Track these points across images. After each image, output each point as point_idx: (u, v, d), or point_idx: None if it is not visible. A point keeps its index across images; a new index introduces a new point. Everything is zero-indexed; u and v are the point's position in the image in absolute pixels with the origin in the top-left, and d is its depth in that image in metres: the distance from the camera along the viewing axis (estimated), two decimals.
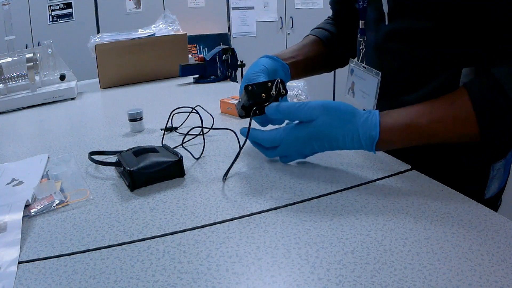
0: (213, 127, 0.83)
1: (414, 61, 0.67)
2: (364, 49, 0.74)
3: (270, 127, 0.65)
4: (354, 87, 0.78)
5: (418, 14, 0.63)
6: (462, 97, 0.54)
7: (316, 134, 0.58)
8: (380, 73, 0.69)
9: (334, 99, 3.83)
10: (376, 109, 0.71)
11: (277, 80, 0.62)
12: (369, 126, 0.57)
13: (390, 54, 0.70)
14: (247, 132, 0.62)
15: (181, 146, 0.77)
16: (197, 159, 0.71)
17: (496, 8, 0.55)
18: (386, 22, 0.66)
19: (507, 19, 0.54)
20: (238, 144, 0.64)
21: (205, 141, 0.75)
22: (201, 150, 0.73)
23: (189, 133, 0.81)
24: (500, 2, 0.54)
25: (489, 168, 0.71)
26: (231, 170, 0.63)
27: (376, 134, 0.56)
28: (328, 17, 0.95)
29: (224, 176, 0.62)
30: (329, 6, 0.94)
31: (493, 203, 0.76)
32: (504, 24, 0.55)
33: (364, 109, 0.76)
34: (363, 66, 0.74)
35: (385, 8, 0.65)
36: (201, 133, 0.79)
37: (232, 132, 0.66)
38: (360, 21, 0.74)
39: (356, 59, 0.78)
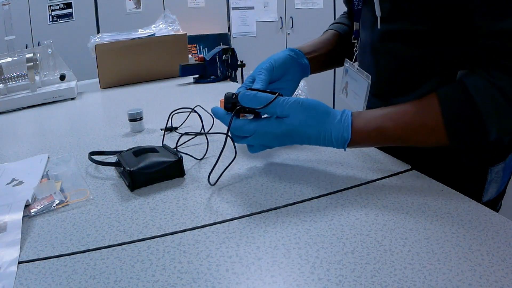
0: (212, 128, 0.83)
1: (409, 63, 0.67)
2: (357, 51, 0.74)
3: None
4: (347, 87, 0.78)
5: (414, 16, 0.63)
6: (432, 105, 0.55)
7: (290, 132, 0.59)
8: (370, 76, 0.69)
9: (334, 99, 3.83)
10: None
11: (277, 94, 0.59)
12: (342, 127, 0.58)
13: (385, 55, 0.70)
14: (227, 132, 0.61)
15: (176, 149, 0.77)
16: (200, 160, 0.71)
17: (476, 15, 0.55)
18: (379, 26, 0.67)
19: (484, 27, 0.54)
20: (233, 146, 0.64)
21: (205, 141, 0.75)
22: (204, 151, 0.73)
23: (188, 133, 0.81)
24: (479, 10, 0.54)
25: (487, 170, 0.71)
26: (231, 170, 0.63)
27: (348, 136, 0.58)
28: (344, 12, 0.95)
29: (209, 176, 0.62)
30: (344, 5, 0.94)
31: (492, 207, 0.75)
32: (481, 32, 0.55)
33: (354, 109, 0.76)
34: (356, 68, 0.74)
35: (378, 13, 0.65)
36: (201, 133, 0.78)
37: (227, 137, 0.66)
38: (355, 22, 0.74)
39: (350, 60, 0.78)
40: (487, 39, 0.55)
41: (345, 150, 0.60)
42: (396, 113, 0.58)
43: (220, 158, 0.61)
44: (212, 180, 0.62)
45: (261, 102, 0.58)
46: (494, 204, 0.76)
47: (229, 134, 0.62)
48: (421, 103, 0.57)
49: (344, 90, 0.80)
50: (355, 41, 0.74)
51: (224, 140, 0.61)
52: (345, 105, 0.76)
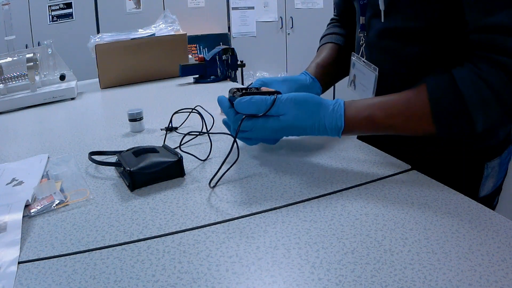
0: (213, 128, 0.83)
1: (405, 59, 0.68)
2: (364, 44, 0.74)
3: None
4: (355, 80, 0.79)
5: (413, 13, 0.63)
6: (421, 95, 0.57)
7: (286, 127, 0.61)
8: (377, 68, 0.70)
9: (334, 96, 3.83)
10: None
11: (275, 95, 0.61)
12: (335, 116, 0.60)
13: (382, 51, 0.71)
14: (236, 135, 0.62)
15: (180, 149, 0.77)
16: (204, 160, 0.71)
17: (466, 10, 0.56)
18: (382, 20, 0.67)
19: (473, 21, 0.56)
20: (237, 150, 0.64)
21: (205, 140, 0.75)
22: (204, 150, 0.73)
23: (191, 133, 0.81)
24: (469, 5, 0.56)
25: (483, 166, 0.72)
26: (232, 170, 0.63)
27: (341, 124, 0.60)
28: (333, 18, 0.95)
29: (211, 181, 0.61)
30: (334, 6, 0.94)
31: (489, 202, 0.76)
32: (470, 26, 0.56)
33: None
34: (363, 61, 0.74)
35: (381, 6, 0.65)
36: (201, 133, 0.78)
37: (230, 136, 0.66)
38: (361, 17, 0.74)
39: (356, 53, 0.79)
40: (475, 33, 0.56)
41: (339, 137, 0.62)
42: (386, 102, 0.60)
43: (224, 155, 0.61)
44: (212, 182, 0.61)
45: (258, 105, 0.60)
46: (491, 200, 0.77)
47: (226, 123, 0.63)
48: (410, 93, 0.59)
49: (352, 83, 0.80)
50: (361, 34, 0.75)
51: (226, 141, 0.61)
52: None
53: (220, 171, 0.61)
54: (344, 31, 0.89)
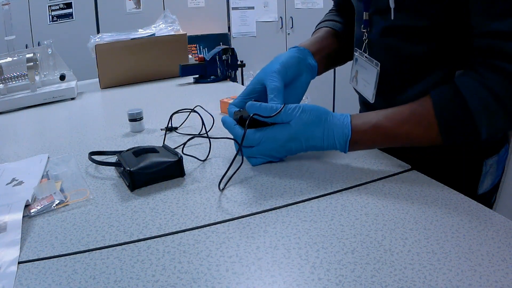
0: (213, 128, 0.83)
1: (406, 58, 0.68)
2: (367, 40, 0.74)
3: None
4: (357, 75, 0.79)
5: (417, 12, 0.63)
6: (426, 106, 0.58)
7: (294, 134, 0.61)
8: (379, 63, 0.70)
9: (334, 99, 3.83)
10: (374, 99, 0.73)
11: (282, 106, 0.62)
12: (342, 125, 0.61)
13: (383, 49, 0.71)
14: (241, 142, 0.63)
15: (183, 151, 0.76)
16: (203, 161, 0.71)
17: (472, 15, 0.56)
18: (392, 17, 0.66)
19: (478, 27, 0.55)
20: (241, 152, 0.65)
21: (205, 141, 0.75)
22: (204, 151, 0.73)
23: (193, 135, 0.81)
24: (475, 10, 0.56)
25: (482, 163, 0.72)
26: (231, 170, 0.63)
27: (348, 132, 0.60)
28: (331, 10, 0.95)
29: (220, 183, 0.61)
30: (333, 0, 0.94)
31: (487, 200, 0.77)
32: (474, 32, 0.56)
33: (364, 97, 0.77)
34: (366, 56, 0.74)
35: (392, 4, 0.65)
36: (201, 135, 0.78)
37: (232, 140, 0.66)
38: (364, 12, 0.74)
39: (359, 49, 0.79)
40: (479, 38, 0.56)
41: (346, 152, 0.62)
42: (392, 113, 0.61)
43: (224, 162, 0.61)
44: (219, 177, 0.62)
45: (267, 109, 0.61)
46: (489, 197, 0.78)
47: (238, 143, 0.64)
48: (415, 103, 0.59)
49: (354, 79, 0.81)
50: (364, 30, 0.75)
51: (226, 141, 0.61)
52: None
53: (225, 165, 0.62)
54: (342, 20, 0.88)
